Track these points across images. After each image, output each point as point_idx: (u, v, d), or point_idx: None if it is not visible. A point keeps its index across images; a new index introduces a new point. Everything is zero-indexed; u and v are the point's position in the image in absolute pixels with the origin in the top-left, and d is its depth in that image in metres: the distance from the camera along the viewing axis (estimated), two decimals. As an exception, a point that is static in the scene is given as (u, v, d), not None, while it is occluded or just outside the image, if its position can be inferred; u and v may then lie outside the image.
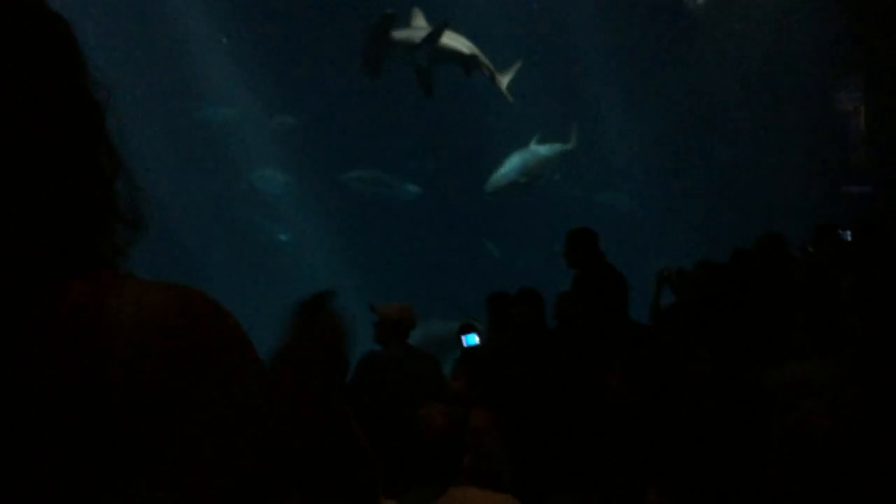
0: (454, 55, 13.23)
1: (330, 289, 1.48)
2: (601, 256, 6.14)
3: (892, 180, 15.07)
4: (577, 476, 4.35)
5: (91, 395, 0.86)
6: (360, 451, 4.24)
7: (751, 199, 16.82)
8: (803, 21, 16.29)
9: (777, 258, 7.09)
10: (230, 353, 0.93)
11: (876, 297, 4.82)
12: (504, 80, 14.26)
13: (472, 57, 13.44)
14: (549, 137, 16.33)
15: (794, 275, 6.73)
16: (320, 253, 16.63)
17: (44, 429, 0.84)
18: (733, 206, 17.06)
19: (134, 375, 0.87)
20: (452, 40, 13.13)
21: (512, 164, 15.61)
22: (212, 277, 14.35)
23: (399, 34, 12.52)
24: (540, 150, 16.03)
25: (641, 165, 17.76)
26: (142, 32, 15.63)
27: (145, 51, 15.66)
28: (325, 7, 15.64)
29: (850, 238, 8.23)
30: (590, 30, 16.87)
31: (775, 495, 3.45)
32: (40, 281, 0.89)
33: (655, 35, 17.03)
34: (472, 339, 5.76)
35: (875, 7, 14.92)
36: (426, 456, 3.05)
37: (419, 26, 12.96)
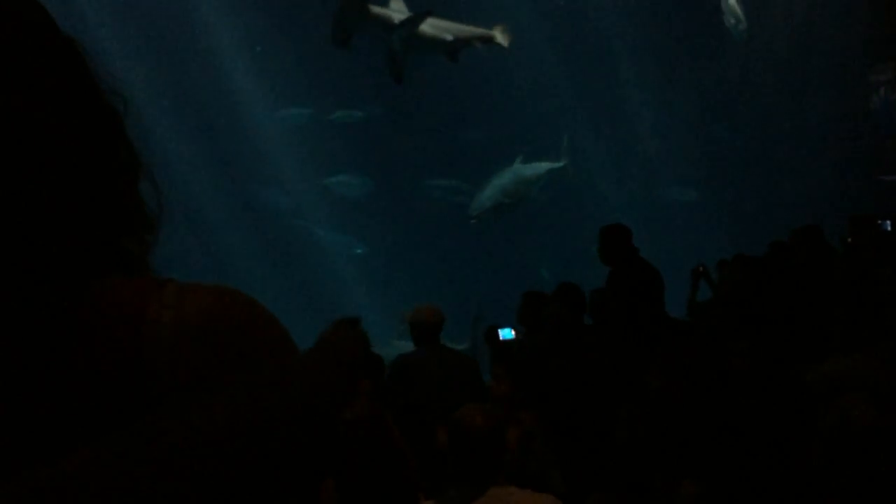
0: (436, 44, 12.54)
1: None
2: (636, 252, 6.09)
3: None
4: (616, 474, 4.33)
5: (132, 402, 0.86)
6: (396, 452, 4.27)
7: (786, 190, 16.59)
8: (837, 8, 16.06)
9: (815, 250, 6.99)
10: (272, 353, 0.93)
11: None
12: (500, 36, 13.57)
13: (456, 41, 12.71)
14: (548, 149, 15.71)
15: (833, 266, 6.63)
16: (398, 266, 15.91)
17: (85, 436, 0.84)
18: (769, 198, 16.84)
19: (175, 380, 0.88)
20: (434, 28, 12.46)
21: (496, 186, 14.86)
22: (278, 298, 13.95)
23: (377, 10, 11.83)
24: (525, 169, 15.33)
25: (676, 160, 17.55)
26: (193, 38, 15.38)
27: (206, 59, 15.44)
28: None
29: (889, 228, 8.09)
30: (618, 23, 16.71)
31: (817, 489, 3.40)
32: (77, 286, 0.90)
33: (684, 27, 16.84)
34: (508, 333, 5.78)
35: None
36: (466, 455, 3.04)
37: (398, 9, 12.29)
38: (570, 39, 16.70)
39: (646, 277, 6.02)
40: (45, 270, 0.88)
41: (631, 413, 4.20)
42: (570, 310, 5.76)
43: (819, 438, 3.41)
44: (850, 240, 7.70)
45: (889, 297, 4.93)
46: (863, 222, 7.74)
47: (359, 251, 16.20)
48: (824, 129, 16.71)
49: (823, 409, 3.52)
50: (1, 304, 0.87)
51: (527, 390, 5.09)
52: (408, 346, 6.08)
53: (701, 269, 6.93)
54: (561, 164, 15.77)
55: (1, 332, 0.87)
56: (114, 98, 0.98)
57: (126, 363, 0.87)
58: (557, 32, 16.58)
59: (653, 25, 16.56)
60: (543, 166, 15.66)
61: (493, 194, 14.70)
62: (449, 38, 12.62)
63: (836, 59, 16.36)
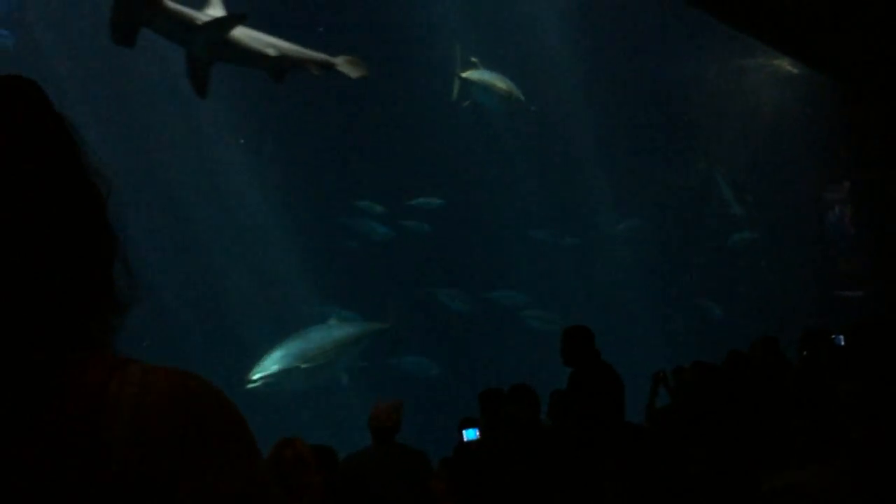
0: (255, 57, 10.50)
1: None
2: (597, 355, 6.10)
3: (882, 286, 15.23)
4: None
5: (91, 479, 0.87)
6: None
7: (744, 302, 16.88)
8: (795, 130, 16.74)
9: (772, 361, 7.08)
10: (229, 440, 0.95)
11: (875, 402, 4.78)
12: (344, 65, 11.70)
13: (281, 59, 10.77)
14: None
15: (789, 378, 6.71)
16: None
17: None
18: (727, 308, 17.10)
19: (133, 461, 0.88)
20: (253, 39, 10.46)
21: (290, 347, 12.25)
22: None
23: (173, 6, 9.54)
24: (335, 330, 13.05)
25: (637, 265, 17.78)
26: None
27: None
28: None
29: (842, 343, 8.25)
30: (587, 132, 17.18)
31: None
32: (42, 365, 0.91)
33: (649, 135, 17.39)
34: (471, 434, 5.75)
35: (861, 120, 15.42)
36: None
37: (213, 5, 10.14)
38: (539, 144, 17.13)
39: (607, 380, 6.01)
40: (11, 345, 0.90)
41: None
42: (526, 409, 5.72)
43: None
44: (805, 352, 7.81)
45: (845, 410, 4.97)
46: (817, 336, 7.87)
47: (434, 372, 14.95)
48: (782, 244, 17.17)
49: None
50: None
51: (466, 494, 5.02)
52: None
53: (661, 374, 6.97)
54: (386, 325, 13.87)
55: None
56: (98, 179, 1.00)
57: (84, 439, 0.88)
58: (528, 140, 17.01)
59: (617, 136, 17.07)
60: (363, 327, 13.58)
61: (284, 357, 12.04)
62: (272, 52, 10.61)
63: (794, 177, 16.97)
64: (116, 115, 13.40)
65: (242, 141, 14.98)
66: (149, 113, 14.37)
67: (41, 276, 0.91)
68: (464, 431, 5.76)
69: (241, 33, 10.23)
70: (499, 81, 14.97)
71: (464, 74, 14.69)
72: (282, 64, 10.82)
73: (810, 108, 16.45)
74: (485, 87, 14.86)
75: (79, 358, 0.93)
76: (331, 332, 12.91)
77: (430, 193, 15.34)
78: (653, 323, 17.12)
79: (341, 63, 11.64)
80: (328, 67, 11.49)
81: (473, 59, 14.89)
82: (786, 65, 16.95)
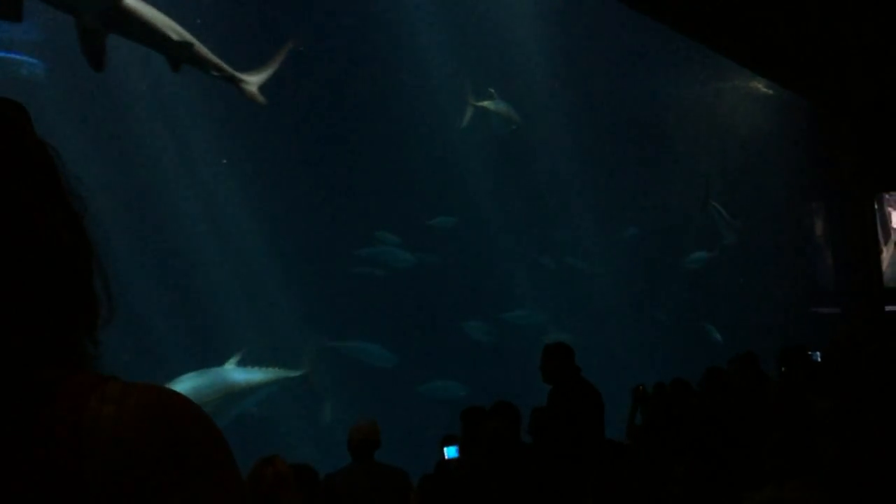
0: (155, 36, 9.60)
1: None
2: (577, 372, 6.11)
3: (858, 302, 15.42)
4: None
5: (69, 496, 0.87)
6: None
7: (723, 318, 16.98)
8: (771, 149, 16.95)
9: (750, 377, 7.13)
10: (208, 459, 0.95)
11: (851, 418, 4.83)
12: (251, 87, 10.88)
13: (184, 45, 9.92)
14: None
15: (767, 394, 6.75)
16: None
17: None
18: (705, 324, 17.20)
19: (111, 477, 0.88)
20: (154, 18, 9.62)
21: (176, 388, 10.98)
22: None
23: None
24: (233, 374, 11.59)
25: (619, 284, 17.86)
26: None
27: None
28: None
29: (819, 359, 8.36)
30: (567, 154, 17.30)
31: None
32: (24, 382, 0.91)
33: (632, 158, 17.52)
34: (452, 452, 5.74)
35: (834, 140, 15.67)
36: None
37: None
38: (519, 170, 17.21)
39: (586, 397, 6.03)
40: None
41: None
42: (507, 426, 5.72)
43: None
44: (783, 369, 7.89)
45: (823, 426, 5.01)
46: (794, 353, 7.95)
47: (462, 393, 14.72)
48: (760, 261, 17.32)
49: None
50: None
51: None
52: None
53: (640, 388, 6.98)
54: (297, 373, 12.72)
55: None
56: (77, 201, 1.02)
57: (62, 458, 0.88)
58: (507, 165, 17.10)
59: (597, 154, 17.19)
60: (266, 374, 12.18)
61: None
62: (173, 36, 9.77)
63: (770, 196, 17.16)
64: (118, 138, 13.33)
65: (225, 161, 15.00)
66: (157, 134, 14.28)
67: (22, 294, 0.92)
68: (445, 449, 5.75)
69: (141, 7, 9.44)
70: (510, 111, 15.60)
71: (484, 104, 15.16)
72: (182, 52, 9.94)
73: (785, 128, 16.68)
74: (502, 117, 15.44)
75: (59, 375, 0.93)
76: (225, 377, 11.47)
77: (432, 219, 15.53)
78: (640, 338, 17.18)
79: (249, 82, 10.92)
80: (233, 82, 10.82)
81: (491, 90, 15.39)
82: (761, 86, 17.17)
